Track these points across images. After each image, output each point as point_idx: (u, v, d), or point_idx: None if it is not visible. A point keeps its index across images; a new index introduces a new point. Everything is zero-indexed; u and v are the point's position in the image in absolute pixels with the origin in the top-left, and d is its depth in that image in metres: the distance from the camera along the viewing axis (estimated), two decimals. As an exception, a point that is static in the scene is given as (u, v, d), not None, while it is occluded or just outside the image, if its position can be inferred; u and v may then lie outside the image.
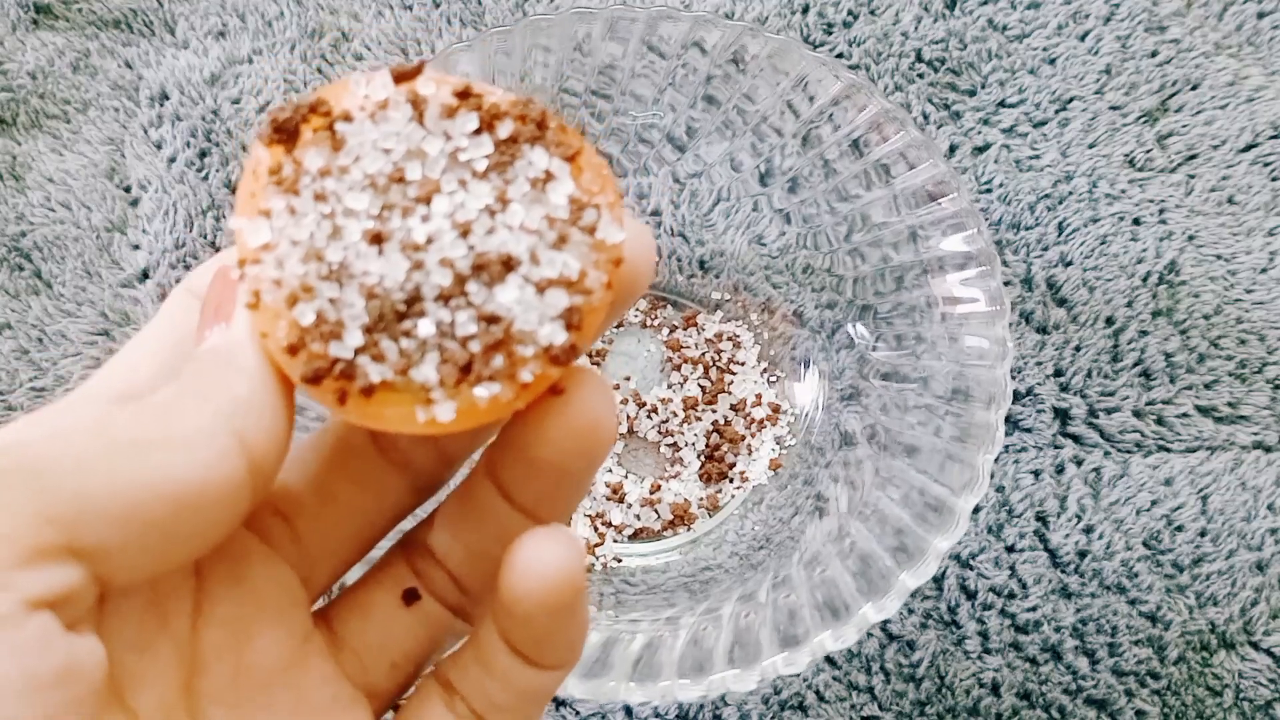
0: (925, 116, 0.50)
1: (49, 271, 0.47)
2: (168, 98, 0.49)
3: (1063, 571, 0.43)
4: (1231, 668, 0.42)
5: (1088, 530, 0.43)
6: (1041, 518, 0.44)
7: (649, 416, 0.44)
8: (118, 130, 0.49)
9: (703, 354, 0.45)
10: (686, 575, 0.40)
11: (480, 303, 0.18)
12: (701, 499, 0.43)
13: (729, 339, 0.46)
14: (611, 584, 0.40)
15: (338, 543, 0.22)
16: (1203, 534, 0.43)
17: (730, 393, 0.45)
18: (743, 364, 0.45)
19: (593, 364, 0.45)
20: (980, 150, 0.49)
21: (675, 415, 0.44)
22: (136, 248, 0.47)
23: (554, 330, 0.18)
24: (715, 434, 0.44)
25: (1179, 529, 0.43)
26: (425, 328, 0.18)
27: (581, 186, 0.19)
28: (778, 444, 0.44)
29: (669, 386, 0.45)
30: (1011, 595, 0.42)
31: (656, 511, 0.42)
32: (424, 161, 0.19)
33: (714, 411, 0.44)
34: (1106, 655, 0.42)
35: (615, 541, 0.42)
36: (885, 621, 0.42)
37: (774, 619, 0.32)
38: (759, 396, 0.45)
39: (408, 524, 0.23)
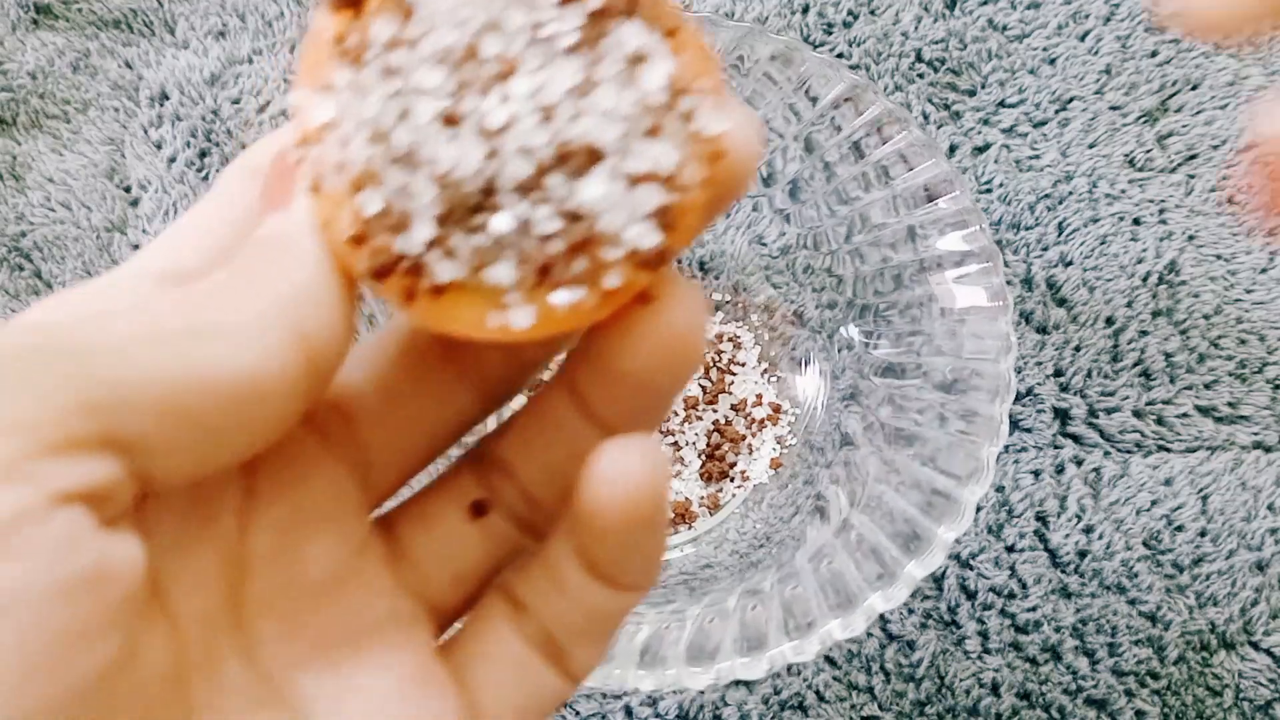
0: (925, 116, 0.50)
1: (49, 271, 0.47)
2: (168, 98, 0.49)
3: (1063, 571, 0.43)
4: (1231, 668, 0.42)
5: (1088, 530, 0.43)
6: (1041, 518, 0.44)
7: (649, 416, 0.44)
8: (118, 130, 0.49)
9: (703, 355, 0.45)
10: (687, 573, 0.40)
11: (562, 197, 0.16)
12: (702, 498, 0.43)
13: (729, 340, 0.46)
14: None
15: (400, 450, 0.20)
16: (1203, 534, 0.43)
17: (731, 393, 0.45)
18: (743, 364, 0.45)
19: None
20: (980, 150, 0.49)
21: (676, 414, 0.44)
22: (136, 248, 0.47)
23: (644, 231, 0.16)
24: (716, 433, 0.44)
25: (1179, 529, 0.43)
26: (501, 223, 0.16)
27: (681, 69, 0.17)
28: (778, 443, 0.44)
29: (669, 386, 0.45)
30: (1011, 595, 0.42)
31: (657, 510, 0.42)
32: (502, 35, 0.16)
33: (715, 411, 0.44)
34: (1106, 655, 0.42)
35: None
36: (885, 621, 0.42)
37: (781, 609, 0.32)
38: (759, 396, 0.45)
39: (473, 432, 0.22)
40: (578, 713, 0.40)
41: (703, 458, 0.44)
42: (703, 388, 0.45)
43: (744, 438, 0.44)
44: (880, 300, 0.40)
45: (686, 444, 0.44)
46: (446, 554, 0.20)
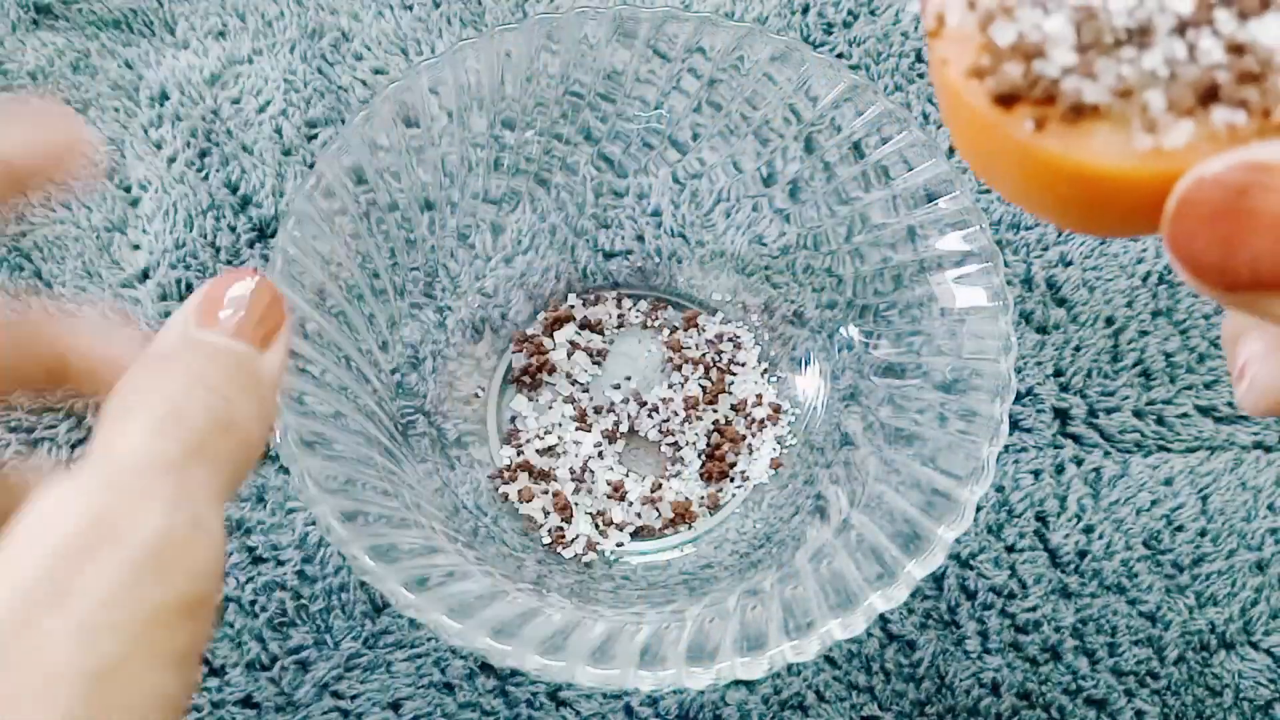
0: (925, 116, 0.50)
1: (49, 271, 0.47)
2: (168, 98, 0.49)
3: (1062, 571, 0.43)
4: (1231, 668, 0.42)
5: (1088, 530, 0.43)
6: (1041, 518, 0.44)
7: (650, 416, 0.44)
8: (118, 130, 0.49)
9: (703, 355, 0.45)
10: (687, 572, 0.40)
11: (1230, 33, 0.15)
12: (702, 497, 0.43)
13: (729, 340, 0.46)
14: (612, 579, 0.40)
15: None
16: (1203, 534, 0.43)
17: (731, 393, 0.45)
18: (743, 365, 0.45)
19: (593, 364, 0.45)
20: (980, 151, 0.49)
21: (676, 415, 0.44)
22: (136, 248, 0.47)
23: None
24: (716, 433, 0.44)
25: (1179, 529, 0.43)
26: (1151, 59, 0.15)
27: None
28: (778, 443, 0.44)
29: (670, 386, 0.45)
30: (1011, 595, 0.42)
31: (657, 510, 0.42)
32: None
33: (714, 411, 0.44)
34: (1106, 655, 0.42)
35: (616, 540, 0.42)
36: (886, 621, 0.42)
37: (781, 609, 0.32)
38: (759, 396, 0.45)
39: None
40: (578, 713, 0.40)
41: (703, 458, 0.44)
42: (703, 388, 0.45)
43: (744, 438, 0.44)
44: (880, 300, 0.40)
45: (686, 444, 0.44)
46: None
